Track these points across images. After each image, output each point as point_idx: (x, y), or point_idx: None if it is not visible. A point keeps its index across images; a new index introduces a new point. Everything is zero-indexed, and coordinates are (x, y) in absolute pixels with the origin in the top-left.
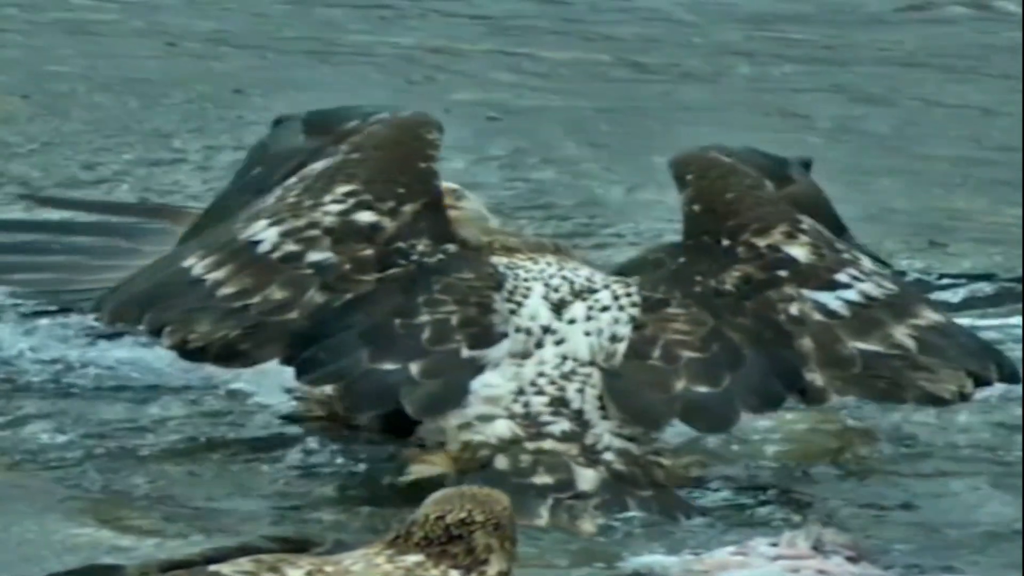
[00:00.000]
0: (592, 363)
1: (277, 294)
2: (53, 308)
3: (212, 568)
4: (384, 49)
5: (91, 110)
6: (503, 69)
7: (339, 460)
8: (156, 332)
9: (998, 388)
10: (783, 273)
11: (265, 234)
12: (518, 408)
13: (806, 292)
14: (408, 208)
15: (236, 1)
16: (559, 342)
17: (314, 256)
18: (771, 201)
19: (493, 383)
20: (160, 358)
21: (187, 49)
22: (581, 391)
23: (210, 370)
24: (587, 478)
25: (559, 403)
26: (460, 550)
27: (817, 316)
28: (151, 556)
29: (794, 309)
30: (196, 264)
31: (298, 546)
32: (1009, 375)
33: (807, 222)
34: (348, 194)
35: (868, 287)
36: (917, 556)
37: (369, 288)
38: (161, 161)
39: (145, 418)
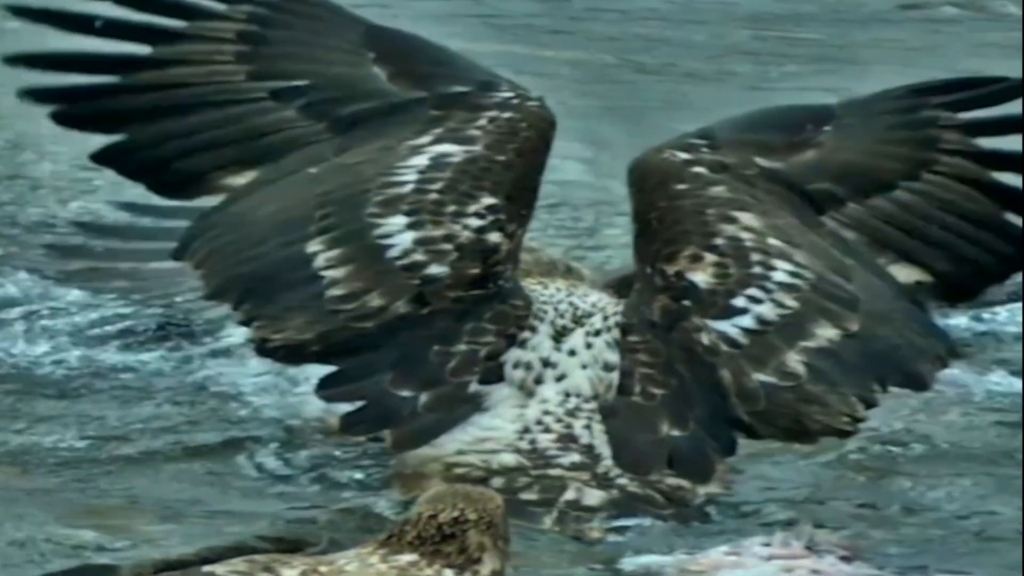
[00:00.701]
0: (596, 397)
1: (375, 301)
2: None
3: (206, 568)
4: None
5: None
6: (504, 69)
7: (333, 460)
8: (246, 323)
9: (999, 387)
10: (687, 303)
11: (400, 238)
12: (524, 445)
13: (709, 322)
14: (521, 232)
15: None
16: (560, 378)
17: (432, 269)
18: (696, 211)
19: (495, 425)
20: (154, 359)
21: None
22: (588, 427)
23: (215, 370)
24: (594, 496)
25: (567, 439)
26: (453, 549)
27: (724, 347)
28: (145, 556)
29: (706, 340)
30: (320, 255)
31: (293, 546)
32: (911, 381)
33: (727, 231)
34: (490, 208)
35: (765, 309)
36: (916, 558)
37: (441, 306)
38: None
39: (138, 419)
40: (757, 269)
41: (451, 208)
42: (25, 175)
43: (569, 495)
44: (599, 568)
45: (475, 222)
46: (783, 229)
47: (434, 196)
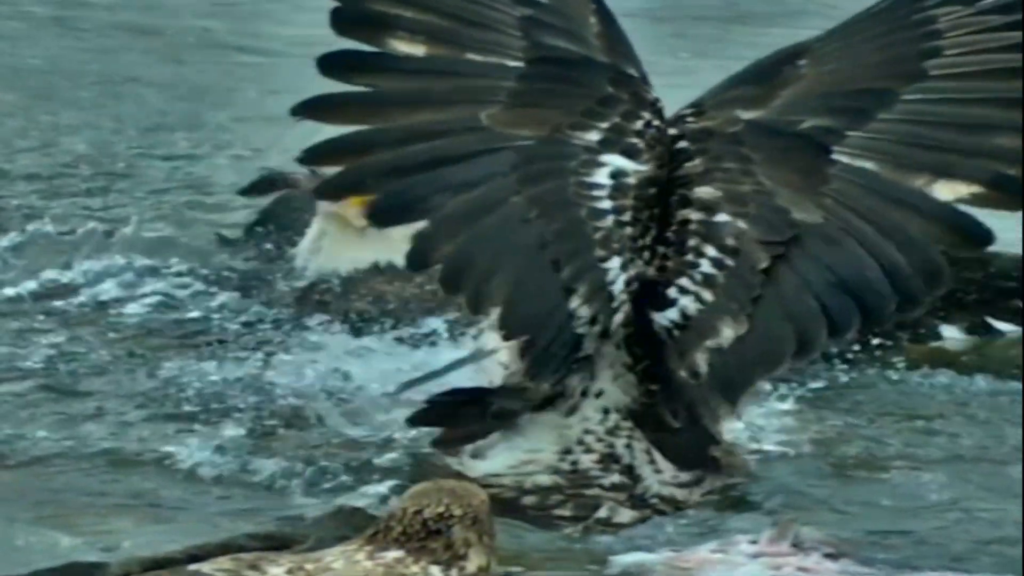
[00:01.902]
0: (632, 411)
1: (582, 310)
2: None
3: (192, 567)
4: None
5: None
6: None
7: (320, 457)
8: (477, 311)
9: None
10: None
11: (618, 279)
12: (565, 466)
13: (655, 314)
14: None
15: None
16: (598, 394)
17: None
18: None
19: (536, 446)
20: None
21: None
22: (629, 446)
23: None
24: (626, 515)
25: (609, 459)
26: (439, 545)
27: (666, 339)
28: (133, 554)
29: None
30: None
31: (281, 543)
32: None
33: (680, 216)
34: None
35: (688, 302)
36: (905, 555)
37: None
38: None
39: (124, 416)
40: (689, 256)
41: (638, 244)
42: None
43: (601, 513)
44: (586, 566)
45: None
46: (744, 196)
47: (628, 231)
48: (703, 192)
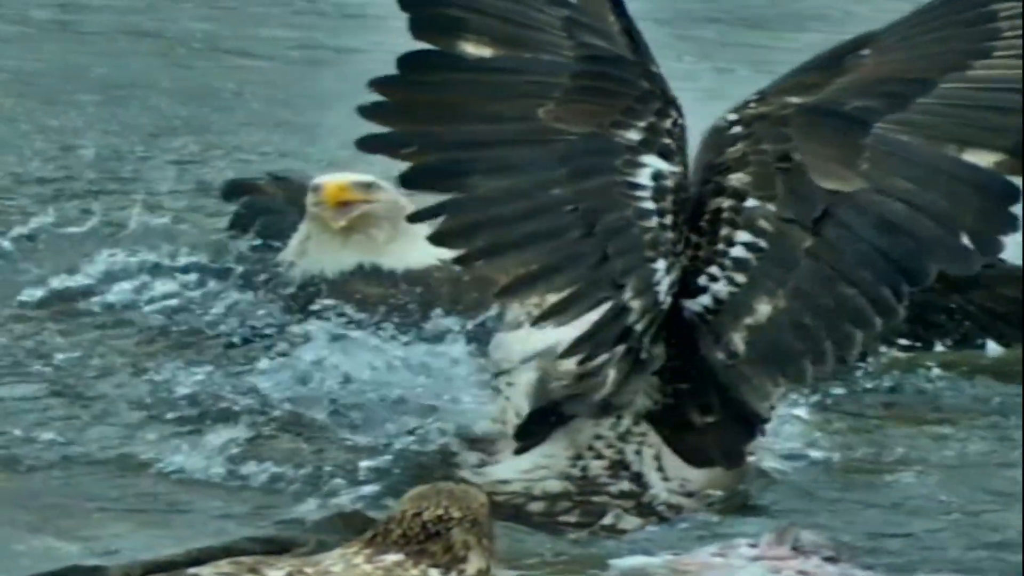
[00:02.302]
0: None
1: (634, 303)
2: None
3: (192, 571)
4: (381, 56)
5: None
6: None
7: (319, 461)
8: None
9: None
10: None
11: (663, 283)
12: (575, 472)
13: (687, 302)
14: None
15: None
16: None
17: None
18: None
19: (550, 451)
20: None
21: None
22: (639, 452)
23: None
24: (632, 522)
25: (619, 466)
26: (439, 548)
27: (699, 323)
28: (134, 557)
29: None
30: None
31: (281, 547)
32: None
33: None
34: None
35: (719, 287)
36: (904, 559)
37: None
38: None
39: (125, 421)
40: (721, 245)
41: (677, 248)
42: None
43: (607, 520)
44: (588, 569)
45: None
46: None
47: (670, 235)
48: (735, 179)
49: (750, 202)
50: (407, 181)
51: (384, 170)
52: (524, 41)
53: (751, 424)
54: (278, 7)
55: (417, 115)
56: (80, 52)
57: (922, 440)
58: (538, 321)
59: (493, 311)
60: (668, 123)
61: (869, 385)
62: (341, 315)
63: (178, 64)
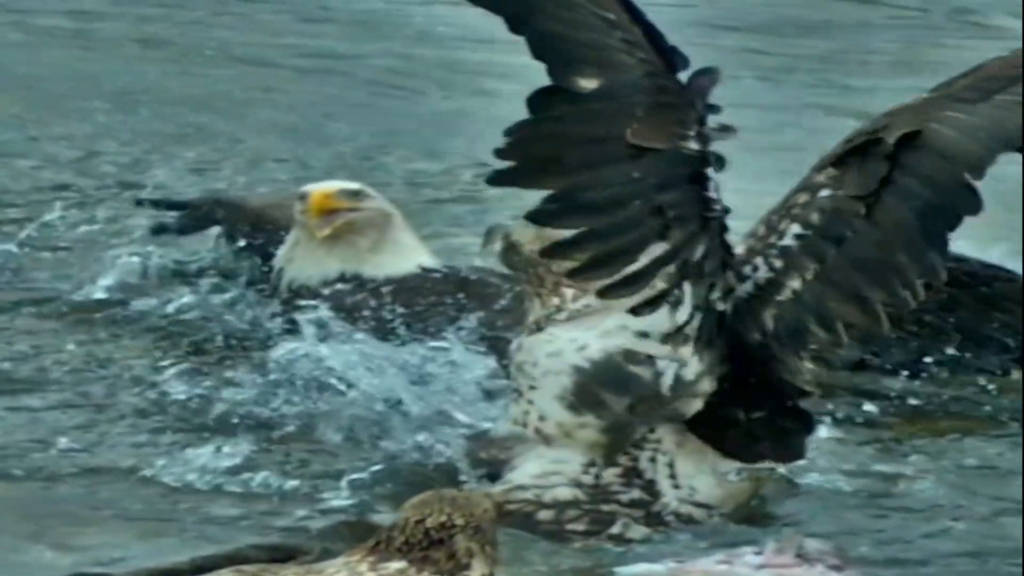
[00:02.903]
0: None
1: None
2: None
3: None
4: (377, 61)
5: None
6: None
7: (327, 469)
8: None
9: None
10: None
11: None
12: (588, 479)
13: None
14: None
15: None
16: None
17: None
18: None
19: (563, 456)
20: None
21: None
22: (653, 460)
23: None
24: (639, 531)
25: (632, 474)
26: (442, 555)
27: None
28: (138, 565)
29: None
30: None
31: (286, 554)
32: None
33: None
34: None
35: (760, 274)
36: (907, 567)
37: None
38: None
39: (131, 429)
40: (772, 238)
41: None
42: None
43: (615, 529)
44: None
45: None
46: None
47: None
48: (818, 177)
49: (824, 192)
50: (538, 218)
51: (382, 178)
52: (615, 68)
53: (805, 418)
54: (290, 15)
55: (542, 150)
56: (92, 60)
57: (934, 447)
58: (603, 294)
59: (484, 316)
60: (705, 130)
61: (880, 392)
62: (326, 323)
63: (190, 72)
